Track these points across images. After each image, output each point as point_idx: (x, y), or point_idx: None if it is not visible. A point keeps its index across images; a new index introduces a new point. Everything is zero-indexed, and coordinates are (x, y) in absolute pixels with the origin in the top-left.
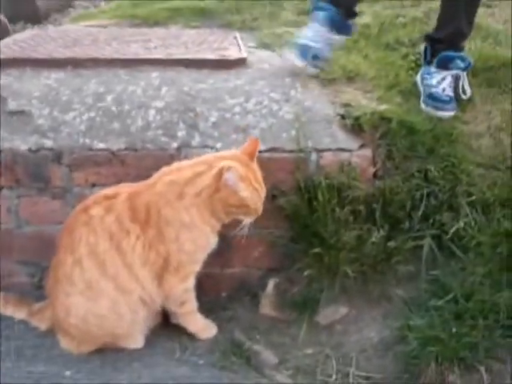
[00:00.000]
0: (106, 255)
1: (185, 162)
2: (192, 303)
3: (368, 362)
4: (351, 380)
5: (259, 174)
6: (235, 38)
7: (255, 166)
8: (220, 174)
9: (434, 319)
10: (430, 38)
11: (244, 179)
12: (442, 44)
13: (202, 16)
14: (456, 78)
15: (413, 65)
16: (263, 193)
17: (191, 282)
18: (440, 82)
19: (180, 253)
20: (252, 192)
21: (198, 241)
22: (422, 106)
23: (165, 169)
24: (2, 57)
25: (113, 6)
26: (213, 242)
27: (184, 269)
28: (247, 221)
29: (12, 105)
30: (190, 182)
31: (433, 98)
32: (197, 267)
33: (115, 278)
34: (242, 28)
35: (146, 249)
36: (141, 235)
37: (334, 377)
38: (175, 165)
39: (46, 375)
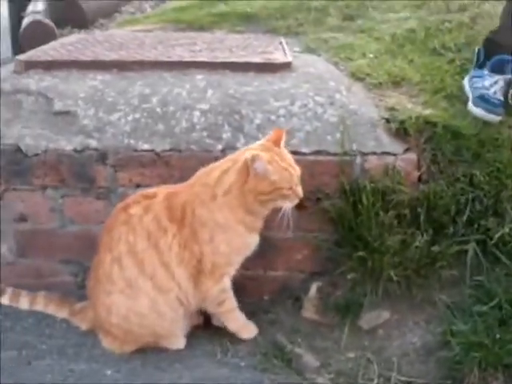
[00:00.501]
0: (144, 254)
1: (218, 162)
2: (231, 302)
3: (410, 367)
4: None
5: (288, 157)
6: (280, 42)
7: (282, 150)
8: (245, 166)
9: (477, 325)
10: (488, 41)
11: (270, 162)
12: (501, 48)
13: (247, 21)
14: (508, 83)
15: (458, 70)
16: (296, 173)
17: (227, 282)
18: (492, 84)
19: (215, 255)
20: (281, 172)
21: (232, 242)
22: (471, 107)
23: (202, 169)
24: (49, 59)
25: (158, 12)
26: (250, 242)
27: (219, 270)
28: (287, 206)
29: (58, 105)
30: (218, 182)
31: (484, 100)
32: (233, 269)
33: (153, 277)
34: (287, 33)
35: (182, 248)
36: (177, 234)
37: (375, 381)
38: (210, 165)
39: (87, 374)
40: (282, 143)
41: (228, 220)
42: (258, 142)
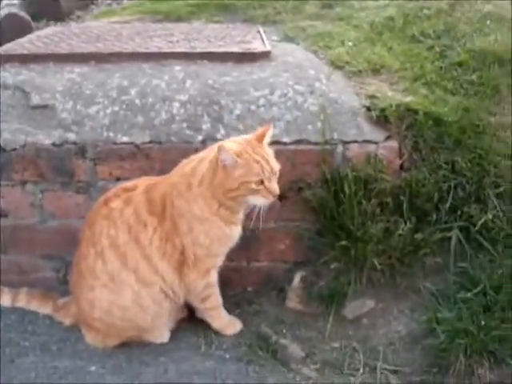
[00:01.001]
0: (125, 247)
1: (199, 154)
2: (215, 298)
3: (396, 356)
4: (379, 374)
5: (267, 153)
6: (258, 31)
7: (262, 146)
8: (216, 156)
9: (462, 312)
10: None
11: (239, 155)
12: None
13: (224, 11)
14: None
15: (438, 56)
16: (272, 169)
17: (213, 277)
18: None
19: (195, 246)
20: (250, 165)
21: (211, 233)
22: None
23: (184, 161)
24: (25, 52)
25: (135, 3)
26: (230, 234)
27: (202, 263)
28: (261, 202)
29: (35, 99)
30: (193, 172)
31: None
32: (216, 261)
33: (136, 270)
34: (264, 22)
35: (164, 241)
36: (158, 227)
37: (361, 370)
38: (192, 157)
39: (71, 370)
40: (266, 139)
41: (203, 211)
42: (243, 136)
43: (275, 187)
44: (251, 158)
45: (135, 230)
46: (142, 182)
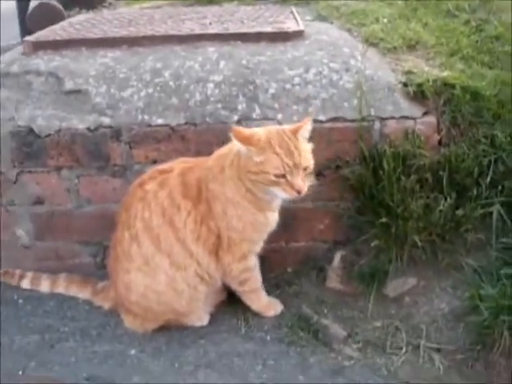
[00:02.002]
0: (159, 230)
1: None
2: (254, 281)
3: (439, 334)
4: (422, 352)
5: (298, 147)
6: (291, 12)
7: (296, 139)
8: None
9: (506, 288)
10: None
11: (251, 142)
12: None
13: None
14: None
15: (474, 30)
16: (297, 163)
17: (251, 261)
18: None
19: (229, 230)
20: (269, 156)
21: (243, 218)
22: None
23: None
24: (58, 38)
25: None
26: (263, 221)
27: (237, 247)
28: (283, 196)
29: (69, 84)
30: (227, 154)
31: None
32: (252, 247)
33: (170, 254)
34: (297, 3)
35: (198, 224)
36: (192, 211)
37: (404, 349)
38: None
39: (111, 354)
40: (303, 132)
41: (234, 194)
42: (284, 126)
43: (299, 183)
44: (271, 149)
45: (169, 213)
46: (178, 165)
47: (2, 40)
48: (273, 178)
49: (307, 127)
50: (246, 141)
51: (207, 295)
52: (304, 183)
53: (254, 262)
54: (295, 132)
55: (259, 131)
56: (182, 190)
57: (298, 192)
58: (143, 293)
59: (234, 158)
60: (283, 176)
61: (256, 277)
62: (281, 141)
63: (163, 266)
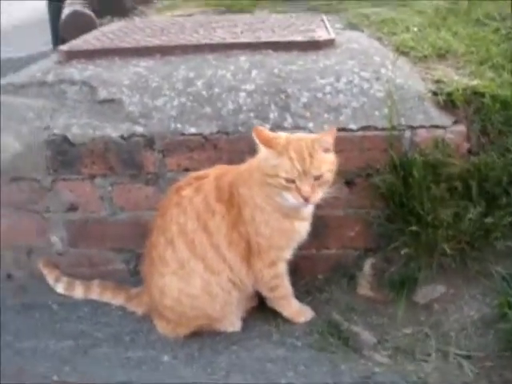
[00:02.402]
0: (194, 235)
1: None
2: (284, 288)
3: (468, 341)
4: (451, 359)
5: (314, 155)
6: (322, 20)
7: (315, 147)
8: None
9: None
10: None
11: (270, 144)
12: None
13: (286, 2)
14: None
15: (504, 39)
16: (308, 170)
17: (281, 268)
18: None
19: (258, 236)
20: (282, 160)
21: (270, 224)
22: None
23: None
24: (91, 48)
25: None
26: (291, 229)
27: (266, 254)
28: (291, 202)
29: (102, 93)
30: (256, 159)
31: None
32: (281, 254)
33: (204, 258)
34: (328, 11)
35: (230, 229)
36: (225, 215)
37: (433, 356)
38: None
39: (144, 360)
40: (319, 141)
41: (260, 199)
42: (310, 135)
43: (306, 190)
44: (286, 154)
45: (204, 218)
46: (214, 171)
47: (33, 47)
48: (283, 183)
49: (327, 138)
50: (266, 142)
51: (239, 301)
52: (314, 192)
53: (283, 268)
54: (314, 141)
55: (281, 135)
56: (216, 195)
57: (306, 199)
58: (177, 297)
59: (260, 163)
60: (293, 181)
61: (286, 284)
62: (297, 147)
63: (198, 271)
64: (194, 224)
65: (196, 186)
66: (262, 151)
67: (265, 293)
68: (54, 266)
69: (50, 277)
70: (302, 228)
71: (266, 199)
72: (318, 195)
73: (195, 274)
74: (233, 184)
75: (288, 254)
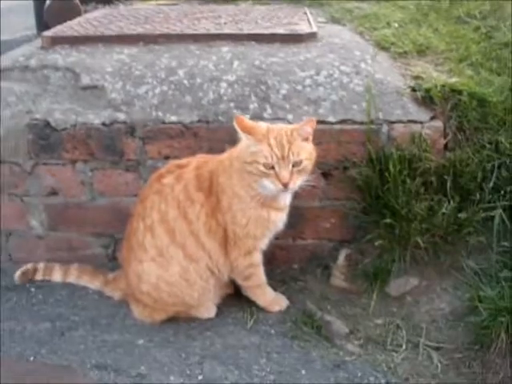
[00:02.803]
0: (174, 223)
1: None
2: (258, 277)
3: (438, 333)
4: (421, 350)
5: (293, 143)
6: (305, 13)
7: (294, 136)
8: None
9: (504, 290)
10: None
11: (255, 133)
12: None
13: None
14: None
15: (484, 37)
16: (287, 156)
17: (256, 257)
18: None
19: (234, 225)
20: (262, 146)
21: (247, 213)
22: None
23: None
24: (75, 34)
25: None
26: (267, 218)
27: (242, 243)
28: (270, 189)
29: (85, 80)
30: (236, 147)
31: None
32: (257, 244)
33: (183, 246)
34: (311, 4)
35: (209, 217)
36: (204, 203)
37: (403, 347)
38: None
39: (120, 344)
40: (298, 130)
41: (239, 187)
42: (289, 125)
43: (285, 175)
44: (266, 140)
45: (184, 206)
46: (195, 160)
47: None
48: (262, 169)
49: (306, 127)
50: (246, 130)
51: (216, 288)
52: (292, 178)
53: (259, 258)
54: (293, 130)
55: (262, 124)
56: (196, 183)
57: (284, 185)
58: (155, 283)
59: (240, 151)
60: (272, 167)
61: (260, 273)
62: (277, 135)
63: (177, 258)
64: (174, 212)
65: (177, 175)
66: (243, 140)
67: (240, 281)
68: (26, 272)
69: (26, 279)
70: (279, 218)
71: (244, 188)
72: (297, 182)
73: (174, 261)
74: (213, 173)
75: (263, 244)
